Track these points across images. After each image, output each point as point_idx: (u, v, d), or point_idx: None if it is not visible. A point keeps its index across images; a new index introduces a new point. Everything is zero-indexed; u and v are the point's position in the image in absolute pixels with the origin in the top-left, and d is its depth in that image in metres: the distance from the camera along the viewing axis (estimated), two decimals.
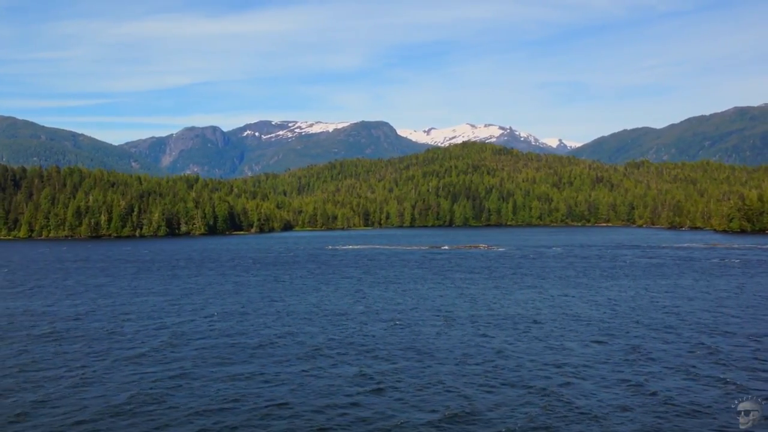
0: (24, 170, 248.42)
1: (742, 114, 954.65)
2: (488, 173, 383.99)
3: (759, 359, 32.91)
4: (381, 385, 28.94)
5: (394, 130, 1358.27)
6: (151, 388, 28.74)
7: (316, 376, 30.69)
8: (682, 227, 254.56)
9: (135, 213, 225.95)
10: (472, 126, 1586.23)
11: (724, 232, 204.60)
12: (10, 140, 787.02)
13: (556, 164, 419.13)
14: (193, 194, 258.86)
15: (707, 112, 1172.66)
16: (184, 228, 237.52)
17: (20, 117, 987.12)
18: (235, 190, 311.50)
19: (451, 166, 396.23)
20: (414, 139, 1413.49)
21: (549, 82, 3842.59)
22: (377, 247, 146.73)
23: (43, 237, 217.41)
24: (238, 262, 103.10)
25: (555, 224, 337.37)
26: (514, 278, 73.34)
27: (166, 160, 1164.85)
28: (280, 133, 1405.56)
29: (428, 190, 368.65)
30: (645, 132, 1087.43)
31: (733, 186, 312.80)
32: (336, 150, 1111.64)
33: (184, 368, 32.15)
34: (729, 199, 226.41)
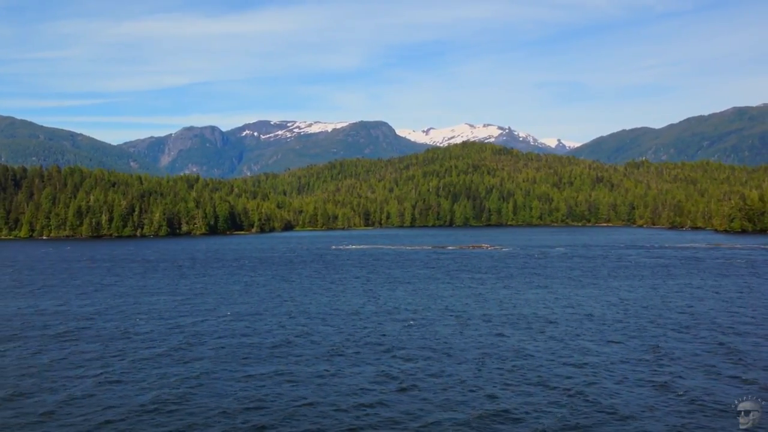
0: (24, 170, 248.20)
1: (740, 114, 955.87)
2: (488, 173, 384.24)
3: None
4: (403, 385, 28.92)
5: (393, 130, 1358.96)
6: (173, 388, 28.69)
7: (337, 375, 30.66)
8: (683, 227, 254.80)
9: (136, 213, 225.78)
10: (471, 126, 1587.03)
11: (726, 232, 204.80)
12: (8, 140, 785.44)
13: (556, 164, 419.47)
14: (194, 194, 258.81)
15: (706, 112, 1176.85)
16: (185, 228, 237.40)
17: (19, 117, 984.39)
18: (236, 189, 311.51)
19: (451, 166, 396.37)
20: (413, 139, 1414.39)
21: (547, 82, 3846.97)
22: (381, 247, 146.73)
23: (44, 237, 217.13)
24: (244, 261, 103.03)
25: (555, 224, 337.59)
26: (522, 278, 73.38)
27: (165, 160, 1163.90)
28: (279, 133, 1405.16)
29: (428, 190, 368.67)
30: (644, 132, 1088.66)
31: (734, 186, 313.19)
32: (335, 150, 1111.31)
33: (204, 368, 32.11)
34: (730, 199, 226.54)
